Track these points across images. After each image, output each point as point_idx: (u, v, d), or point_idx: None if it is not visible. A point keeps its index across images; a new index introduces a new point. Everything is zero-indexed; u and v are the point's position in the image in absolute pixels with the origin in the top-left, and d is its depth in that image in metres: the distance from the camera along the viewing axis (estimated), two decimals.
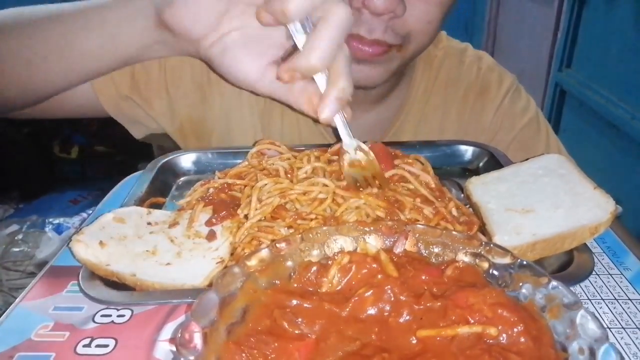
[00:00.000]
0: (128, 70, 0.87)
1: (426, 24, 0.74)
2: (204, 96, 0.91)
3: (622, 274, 0.58)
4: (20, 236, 1.87)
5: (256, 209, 0.63)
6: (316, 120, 0.59)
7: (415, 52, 0.80)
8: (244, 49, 0.62)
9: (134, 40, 0.69)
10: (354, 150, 0.65)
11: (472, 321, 0.40)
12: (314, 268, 0.46)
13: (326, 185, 0.64)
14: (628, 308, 0.53)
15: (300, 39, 0.56)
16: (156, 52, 0.70)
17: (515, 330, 0.39)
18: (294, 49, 0.59)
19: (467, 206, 0.71)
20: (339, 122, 0.62)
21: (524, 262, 0.44)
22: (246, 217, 0.64)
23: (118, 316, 0.53)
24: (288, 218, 0.62)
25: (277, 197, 0.64)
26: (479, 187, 0.69)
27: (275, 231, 0.61)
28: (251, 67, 0.63)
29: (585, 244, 0.59)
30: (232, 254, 0.60)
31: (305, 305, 0.42)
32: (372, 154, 0.66)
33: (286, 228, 0.62)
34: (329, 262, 0.46)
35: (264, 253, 0.45)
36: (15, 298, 0.57)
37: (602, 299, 0.55)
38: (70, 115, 0.93)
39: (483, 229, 0.63)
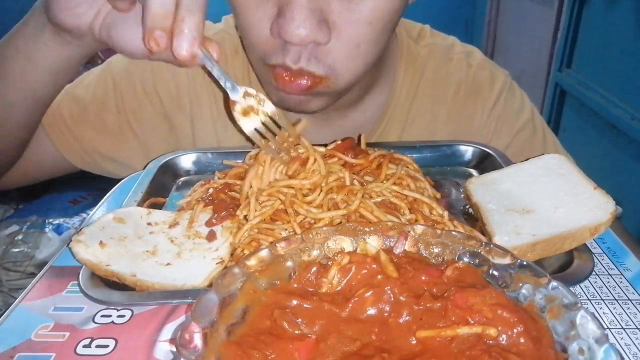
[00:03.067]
0: (88, 123, 0.88)
1: (354, 49, 0.67)
2: (171, 125, 0.92)
3: (622, 274, 0.58)
4: (20, 236, 1.87)
5: (256, 210, 0.63)
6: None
7: (350, 80, 0.71)
8: (123, 24, 0.62)
9: (45, 53, 0.68)
10: (242, 97, 0.60)
11: (472, 322, 0.40)
12: (314, 268, 0.46)
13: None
14: (628, 308, 0.53)
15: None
16: (73, 54, 0.69)
17: (515, 331, 0.38)
18: None
19: (467, 206, 0.71)
20: (210, 65, 0.56)
21: (524, 263, 0.44)
22: (246, 218, 0.64)
23: (118, 316, 0.53)
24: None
25: (278, 201, 0.64)
26: (479, 187, 0.69)
27: (276, 234, 0.61)
28: (137, 39, 0.61)
29: (585, 245, 0.59)
30: (232, 255, 0.60)
31: (305, 305, 0.42)
32: (262, 95, 0.61)
33: (286, 230, 0.62)
34: (329, 263, 0.46)
35: (264, 253, 0.45)
36: (15, 298, 0.57)
37: (602, 299, 0.55)
38: (49, 177, 0.95)
39: (483, 229, 0.63)
